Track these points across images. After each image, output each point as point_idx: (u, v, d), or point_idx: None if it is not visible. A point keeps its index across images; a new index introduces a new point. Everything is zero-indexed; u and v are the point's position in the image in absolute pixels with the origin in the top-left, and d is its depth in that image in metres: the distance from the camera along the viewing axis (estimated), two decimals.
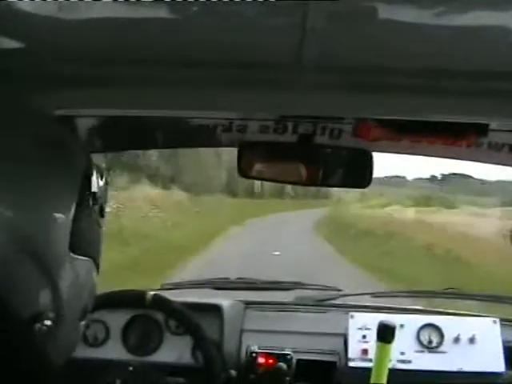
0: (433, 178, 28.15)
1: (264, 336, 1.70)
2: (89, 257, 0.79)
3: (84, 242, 0.77)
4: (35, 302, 0.70)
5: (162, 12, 0.70)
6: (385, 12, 0.67)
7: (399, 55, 0.78)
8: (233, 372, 1.60)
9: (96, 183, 0.80)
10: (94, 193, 0.80)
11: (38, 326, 0.69)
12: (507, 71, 0.82)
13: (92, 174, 0.79)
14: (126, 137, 1.47)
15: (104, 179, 0.83)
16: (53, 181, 0.74)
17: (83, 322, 0.81)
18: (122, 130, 1.41)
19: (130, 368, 1.57)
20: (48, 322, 0.70)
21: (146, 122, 1.41)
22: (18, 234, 0.67)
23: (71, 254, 0.74)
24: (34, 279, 0.69)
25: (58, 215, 0.72)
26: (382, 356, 1.30)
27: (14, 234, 0.66)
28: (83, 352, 1.59)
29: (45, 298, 0.71)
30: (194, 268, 7.85)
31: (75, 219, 0.74)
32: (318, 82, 0.84)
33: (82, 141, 1.34)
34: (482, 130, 1.14)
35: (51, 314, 0.71)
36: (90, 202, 0.79)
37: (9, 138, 0.69)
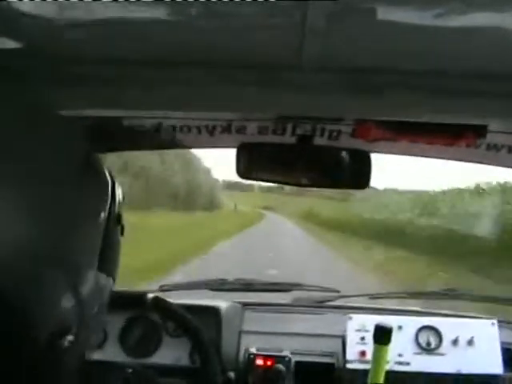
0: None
1: (262, 337, 1.70)
2: (110, 275, 0.79)
3: (108, 260, 0.77)
4: (62, 317, 0.69)
5: (161, 12, 0.70)
6: (384, 12, 0.67)
7: (398, 55, 0.78)
8: (231, 374, 1.60)
9: (118, 203, 0.80)
10: (119, 214, 0.80)
11: (62, 340, 0.68)
12: (506, 72, 0.82)
13: (116, 194, 0.80)
14: (123, 138, 1.46)
15: (122, 197, 0.83)
16: (86, 198, 0.73)
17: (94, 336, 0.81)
18: (120, 131, 1.41)
19: (128, 370, 1.57)
20: (71, 337, 0.69)
21: (144, 123, 1.40)
22: (51, 249, 0.66)
23: (97, 271, 0.74)
24: (62, 294, 0.69)
25: (90, 233, 0.72)
26: (378, 358, 1.30)
27: (47, 249, 0.66)
28: None
29: (71, 313, 0.70)
30: None
31: (104, 237, 0.74)
32: (317, 82, 0.84)
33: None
34: (481, 130, 1.14)
35: (74, 329, 0.70)
36: (116, 222, 0.79)
37: (34, 147, 0.68)
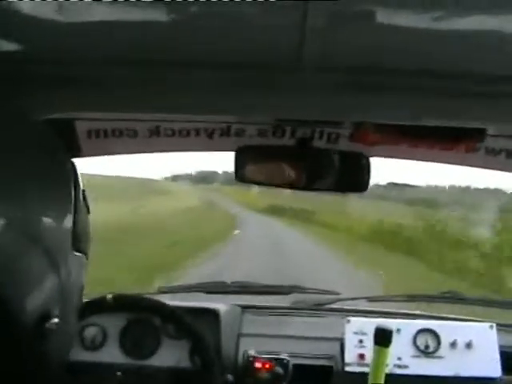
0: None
1: (261, 340, 1.69)
2: (83, 253, 0.81)
3: (80, 239, 0.79)
4: (45, 300, 0.70)
5: (159, 13, 0.70)
6: (384, 13, 0.68)
7: (398, 56, 0.78)
8: (230, 376, 1.60)
9: (82, 183, 0.84)
10: (84, 190, 0.83)
11: (47, 324, 0.69)
12: (504, 75, 0.82)
13: (78, 174, 0.83)
14: (119, 140, 1.46)
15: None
16: (53, 181, 0.76)
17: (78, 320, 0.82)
18: (116, 133, 1.41)
19: (128, 372, 1.57)
20: (56, 320, 0.70)
21: (141, 126, 1.40)
22: (28, 232, 0.68)
23: (73, 251, 0.76)
24: (42, 276, 0.70)
25: (61, 214, 0.75)
26: (379, 360, 1.30)
27: (25, 233, 0.67)
28: (81, 355, 1.58)
29: (53, 295, 0.72)
30: None
31: (74, 217, 0.76)
32: (317, 82, 0.85)
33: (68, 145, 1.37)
34: (480, 134, 1.14)
35: (58, 312, 0.71)
36: (82, 200, 0.81)
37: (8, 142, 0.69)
